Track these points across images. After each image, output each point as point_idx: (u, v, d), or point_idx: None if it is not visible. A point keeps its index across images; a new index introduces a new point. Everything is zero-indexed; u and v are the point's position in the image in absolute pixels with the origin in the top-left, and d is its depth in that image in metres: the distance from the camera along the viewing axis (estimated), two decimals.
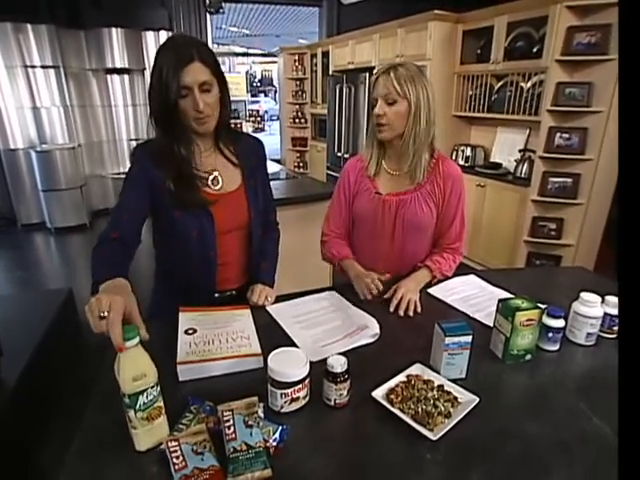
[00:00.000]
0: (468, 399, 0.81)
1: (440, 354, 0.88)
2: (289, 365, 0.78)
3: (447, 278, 1.37)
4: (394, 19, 4.05)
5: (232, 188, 1.18)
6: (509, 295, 1.26)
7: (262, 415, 0.77)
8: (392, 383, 0.85)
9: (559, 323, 0.97)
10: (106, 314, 0.67)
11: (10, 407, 1.76)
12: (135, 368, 0.65)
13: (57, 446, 1.74)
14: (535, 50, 3.09)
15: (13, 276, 3.89)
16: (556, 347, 0.99)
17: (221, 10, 5.33)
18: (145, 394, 0.67)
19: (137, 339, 0.66)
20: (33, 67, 4.50)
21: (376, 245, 1.39)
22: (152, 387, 0.68)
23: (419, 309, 1.19)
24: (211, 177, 1.14)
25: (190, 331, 1.01)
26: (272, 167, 3.90)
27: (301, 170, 6.69)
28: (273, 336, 1.05)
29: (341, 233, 1.47)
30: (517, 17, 3.09)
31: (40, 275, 3.84)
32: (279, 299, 1.24)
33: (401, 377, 0.87)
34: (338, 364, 0.78)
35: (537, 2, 2.89)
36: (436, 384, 0.85)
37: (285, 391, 0.77)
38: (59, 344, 2.35)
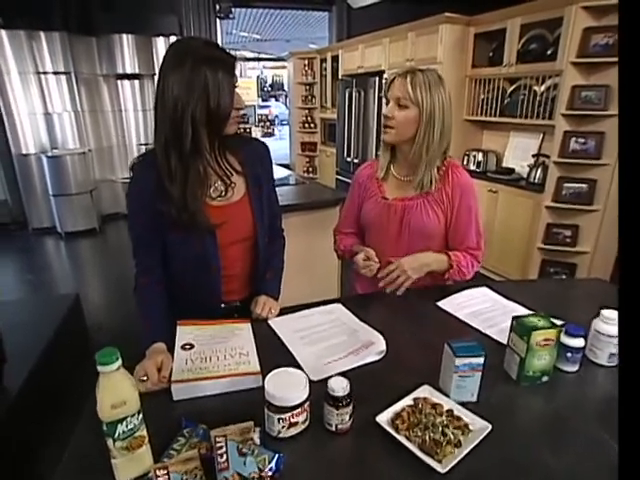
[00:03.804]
0: (480, 426, 0.76)
1: (450, 376, 0.82)
2: (287, 388, 0.73)
3: (456, 290, 1.31)
4: (404, 23, 4.01)
5: (236, 198, 1.12)
6: (523, 309, 1.20)
7: (258, 441, 0.72)
8: (398, 407, 0.80)
9: (579, 343, 0.90)
10: (145, 378, 0.86)
11: (12, 414, 1.74)
12: (114, 395, 0.61)
13: (60, 454, 1.72)
14: (549, 52, 3.02)
15: (23, 280, 3.92)
16: (575, 368, 0.93)
17: (231, 15, 5.34)
18: (125, 422, 0.62)
19: (117, 364, 0.61)
20: (45, 73, 4.55)
21: (382, 250, 1.35)
22: (133, 415, 0.63)
23: (403, 288, 1.23)
24: (212, 188, 1.10)
25: (187, 346, 0.97)
26: (281, 172, 3.88)
27: (310, 175, 6.67)
28: (274, 352, 1.00)
29: (350, 233, 1.47)
30: (530, 19, 3.02)
31: (50, 279, 3.86)
32: (282, 311, 1.19)
33: (408, 400, 0.82)
34: (340, 387, 0.73)
35: (551, 3, 2.82)
36: (445, 408, 0.79)
37: (283, 416, 0.72)
38: (64, 350, 2.34)
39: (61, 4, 4.63)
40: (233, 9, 5.55)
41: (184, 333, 1.02)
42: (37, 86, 4.56)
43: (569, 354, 0.91)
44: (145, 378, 0.86)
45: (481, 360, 0.80)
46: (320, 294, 1.39)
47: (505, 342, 0.97)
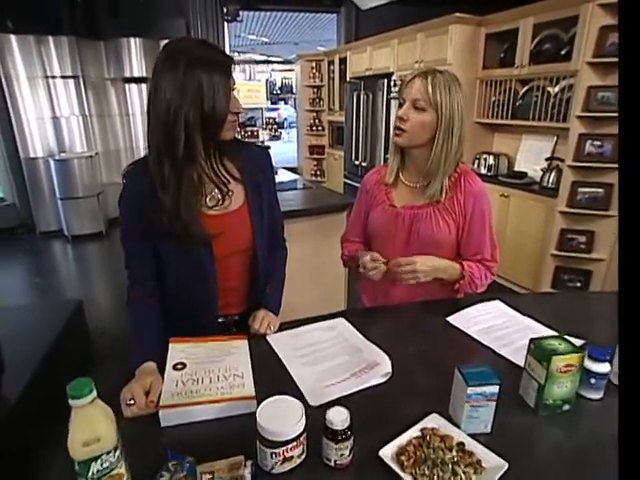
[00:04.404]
0: (495, 464, 0.68)
1: (461, 405, 0.75)
2: (281, 420, 0.66)
3: (467, 304, 1.23)
4: (413, 24, 3.94)
5: (234, 207, 1.06)
6: (538, 326, 1.12)
7: (249, 477, 0.66)
8: (404, 439, 0.73)
9: (604, 368, 0.82)
10: (132, 402, 0.80)
11: (11, 422, 1.70)
12: (87, 431, 0.55)
13: (60, 466, 1.67)
14: (564, 53, 2.93)
15: (31, 283, 3.93)
16: (600, 395, 0.84)
17: (238, 18, 5.32)
18: (99, 461, 0.56)
19: (90, 397, 0.55)
20: (53, 77, 4.56)
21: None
22: (109, 453, 0.57)
23: (411, 282, 1.16)
24: (209, 196, 1.04)
25: (179, 366, 0.91)
26: (287, 176, 3.82)
27: (318, 178, 6.61)
28: (271, 373, 0.94)
29: (357, 242, 1.41)
30: (544, 18, 2.93)
31: (57, 283, 3.85)
32: (283, 326, 1.13)
33: (414, 431, 0.74)
34: (339, 420, 0.66)
35: (566, 1, 2.72)
36: (455, 442, 0.72)
37: (276, 450, 0.66)
38: (66, 356, 2.30)
39: (69, 9, 4.64)
40: (240, 12, 5.53)
41: (176, 351, 0.96)
42: (45, 90, 4.57)
43: (593, 380, 0.83)
44: (132, 402, 0.80)
45: (495, 389, 0.73)
46: (326, 303, 1.33)
47: (520, 363, 0.89)
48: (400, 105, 1.19)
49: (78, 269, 4.35)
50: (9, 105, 4.47)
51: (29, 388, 1.86)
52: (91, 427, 0.55)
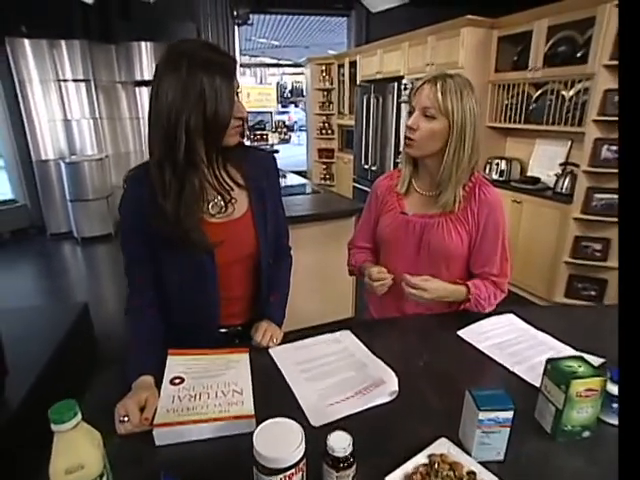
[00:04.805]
0: None
1: (472, 430, 0.70)
2: (280, 446, 0.62)
3: (479, 317, 1.18)
4: (424, 26, 3.89)
5: (237, 214, 1.03)
6: (554, 341, 1.07)
7: None
8: (410, 466, 0.68)
9: None
10: (126, 419, 0.77)
11: (12, 427, 1.69)
12: (70, 457, 0.51)
13: None
14: (579, 55, 2.85)
15: (40, 285, 3.95)
16: None
17: (249, 22, 5.32)
18: None
19: (74, 421, 0.51)
20: (65, 81, 4.61)
21: (397, 270, 1.22)
22: None
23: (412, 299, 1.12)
24: (212, 203, 1.01)
25: (176, 380, 0.88)
26: (296, 180, 3.80)
27: (327, 182, 6.58)
28: (272, 389, 0.90)
29: (365, 249, 1.37)
30: (559, 20, 2.86)
31: (66, 284, 3.87)
32: (287, 336, 1.09)
33: (421, 457, 0.70)
34: (341, 447, 0.62)
35: (582, 3, 2.65)
36: (465, 470, 0.67)
37: (273, 478, 0.62)
38: (71, 360, 2.29)
39: (82, 13, 4.68)
40: (251, 15, 5.53)
41: (175, 364, 0.92)
42: (57, 93, 4.62)
43: (615, 405, 0.77)
44: (126, 419, 0.77)
45: (510, 414, 0.68)
46: (334, 310, 1.29)
47: (535, 383, 0.85)
48: (410, 113, 1.14)
49: (87, 271, 4.37)
50: (22, 108, 4.52)
51: (33, 391, 1.84)
52: (75, 453, 0.52)
